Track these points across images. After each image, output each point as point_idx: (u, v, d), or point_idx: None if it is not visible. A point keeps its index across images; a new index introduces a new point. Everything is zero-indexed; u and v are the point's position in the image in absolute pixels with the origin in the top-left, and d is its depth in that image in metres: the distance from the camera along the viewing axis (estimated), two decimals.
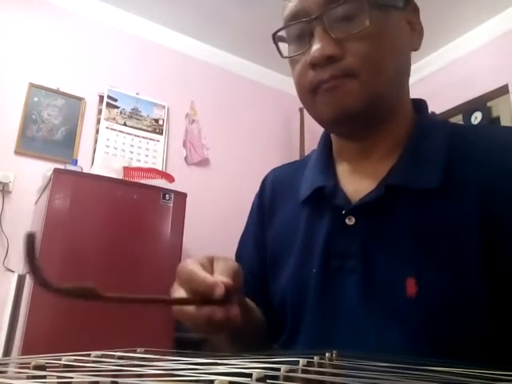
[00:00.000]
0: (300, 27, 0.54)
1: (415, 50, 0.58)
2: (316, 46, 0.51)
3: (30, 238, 0.24)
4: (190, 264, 0.44)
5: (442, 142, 0.55)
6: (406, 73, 0.57)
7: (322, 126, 0.59)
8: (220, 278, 0.41)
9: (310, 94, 0.55)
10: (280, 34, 0.57)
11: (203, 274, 0.41)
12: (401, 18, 0.55)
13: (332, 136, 0.64)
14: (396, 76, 0.55)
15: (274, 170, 0.75)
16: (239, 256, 0.73)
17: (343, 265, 0.54)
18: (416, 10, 0.59)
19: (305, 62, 0.54)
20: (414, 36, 0.57)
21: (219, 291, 0.39)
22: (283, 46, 0.58)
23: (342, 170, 0.61)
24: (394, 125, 0.58)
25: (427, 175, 0.52)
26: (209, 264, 0.45)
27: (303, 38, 0.54)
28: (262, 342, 0.63)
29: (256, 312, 0.62)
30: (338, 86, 0.51)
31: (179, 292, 0.43)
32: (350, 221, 0.54)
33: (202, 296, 0.40)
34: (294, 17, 0.54)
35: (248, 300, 0.59)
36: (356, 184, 0.58)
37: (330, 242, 0.55)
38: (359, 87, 0.51)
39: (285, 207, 0.66)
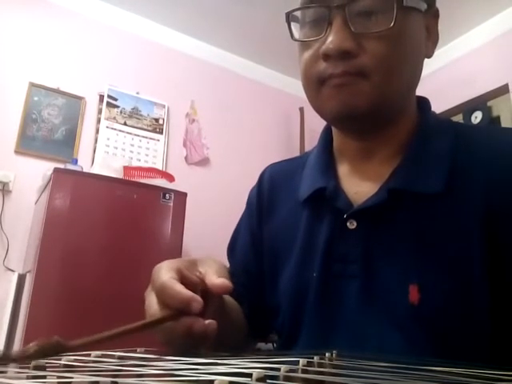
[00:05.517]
0: (318, 12, 0.51)
1: (428, 57, 0.56)
2: (333, 37, 0.49)
3: None
4: (164, 272, 0.39)
5: (446, 144, 0.54)
6: (417, 80, 0.56)
7: (323, 118, 0.57)
8: (215, 279, 0.39)
9: (316, 85, 0.52)
10: (294, 14, 0.54)
11: (177, 289, 0.37)
12: (421, 23, 0.53)
13: (334, 133, 0.63)
14: (407, 82, 0.53)
15: (272, 166, 0.72)
16: (233, 249, 0.71)
17: (344, 270, 0.53)
18: (436, 15, 0.57)
19: (316, 50, 0.51)
20: (428, 43, 0.56)
21: (196, 306, 0.36)
22: (295, 28, 0.54)
23: (343, 171, 0.60)
24: (399, 126, 0.56)
25: (431, 179, 0.51)
26: (192, 267, 0.42)
27: (319, 24, 0.51)
28: (238, 343, 0.59)
29: (235, 313, 0.59)
30: (348, 84, 0.50)
31: (153, 298, 0.40)
32: (352, 225, 0.53)
33: (176, 309, 0.37)
34: None
35: (227, 299, 0.57)
36: (357, 186, 0.56)
37: (331, 246, 0.54)
38: (369, 89, 0.49)
39: (284, 205, 0.64)
